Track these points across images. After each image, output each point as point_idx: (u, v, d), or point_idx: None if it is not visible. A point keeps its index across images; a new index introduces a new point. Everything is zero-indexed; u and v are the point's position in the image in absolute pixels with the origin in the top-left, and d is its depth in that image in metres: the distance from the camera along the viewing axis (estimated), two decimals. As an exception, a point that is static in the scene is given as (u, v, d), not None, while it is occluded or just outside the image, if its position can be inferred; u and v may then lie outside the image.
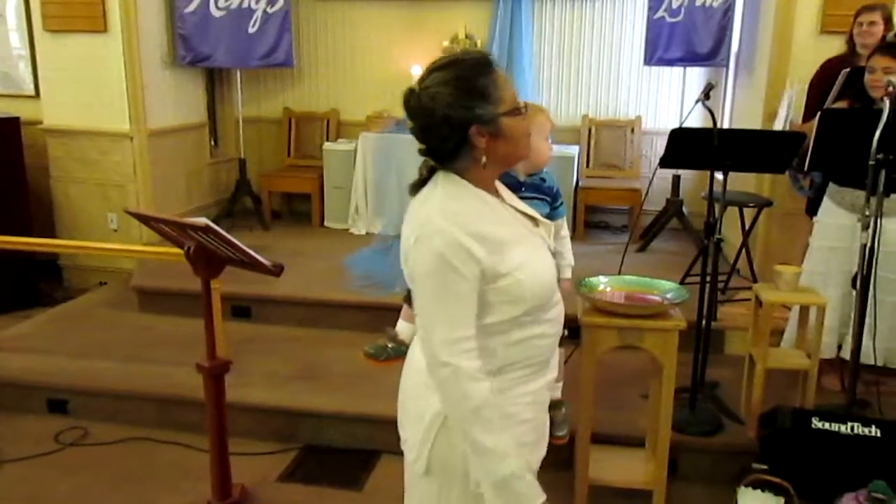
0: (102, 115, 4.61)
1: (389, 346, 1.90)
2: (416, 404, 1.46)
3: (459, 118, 1.33)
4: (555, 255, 1.53)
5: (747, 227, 4.02)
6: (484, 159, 1.37)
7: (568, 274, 1.90)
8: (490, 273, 1.33)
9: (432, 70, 1.38)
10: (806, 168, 2.92)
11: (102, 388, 3.32)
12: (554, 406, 1.72)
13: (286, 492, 2.81)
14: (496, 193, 1.46)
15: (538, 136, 1.78)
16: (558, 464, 2.42)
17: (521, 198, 1.57)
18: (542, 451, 1.55)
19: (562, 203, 1.90)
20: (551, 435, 1.63)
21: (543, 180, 1.82)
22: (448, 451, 1.41)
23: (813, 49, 3.84)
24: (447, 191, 1.38)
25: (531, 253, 1.42)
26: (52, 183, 4.81)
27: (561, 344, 1.53)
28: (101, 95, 4.59)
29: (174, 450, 3.07)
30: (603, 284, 2.40)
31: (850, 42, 3.49)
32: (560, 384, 1.77)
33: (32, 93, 4.96)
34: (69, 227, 4.83)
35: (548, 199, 1.82)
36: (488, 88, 1.34)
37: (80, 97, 4.63)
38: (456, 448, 1.39)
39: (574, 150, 5.21)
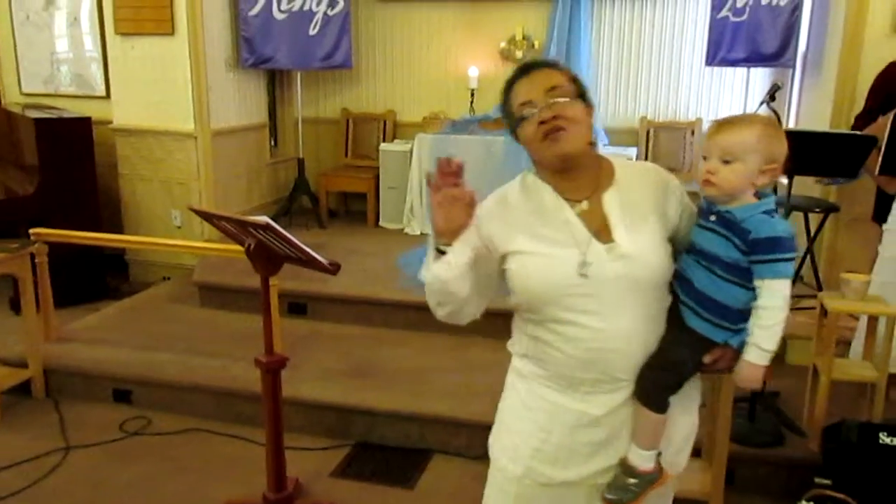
0: (168, 115, 4.76)
1: (631, 481, 1.45)
2: None
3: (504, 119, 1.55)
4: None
5: (812, 233, 3.88)
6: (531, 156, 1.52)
7: (754, 357, 1.39)
8: (497, 244, 1.47)
9: None
10: (878, 172, 2.81)
11: (164, 380, 3.43)
12: (622, 465, 1.46)
13: (339, 487, 2.85)
14: (569, 194, 1.47)
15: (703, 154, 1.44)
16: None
17: (702, 226, 1.44)
18: (566, 473, 1.49)
19: (774, 261, 1.34)
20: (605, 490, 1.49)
21: (730, 214, 1.38)
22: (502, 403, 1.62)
23: (886, 49, 3.67)
24: (515, 180, 1.56)
25: (546, 254, 1.42)
26: (120, 180, 4.99)
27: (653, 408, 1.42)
28: (167, 96, 4.74)
29: (231, 442, 3.15)
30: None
31: None
32: (644, 451, 1.45)
33: (103, 93, 5.16)
34: (135, 224, 5.00)
35: (734, 240, 1.36)
36: (507, 96, 1.52)
37: (147, 98, 4.79)
38: (504, 403, 1.60)
39: (632, 152, 5.13)
